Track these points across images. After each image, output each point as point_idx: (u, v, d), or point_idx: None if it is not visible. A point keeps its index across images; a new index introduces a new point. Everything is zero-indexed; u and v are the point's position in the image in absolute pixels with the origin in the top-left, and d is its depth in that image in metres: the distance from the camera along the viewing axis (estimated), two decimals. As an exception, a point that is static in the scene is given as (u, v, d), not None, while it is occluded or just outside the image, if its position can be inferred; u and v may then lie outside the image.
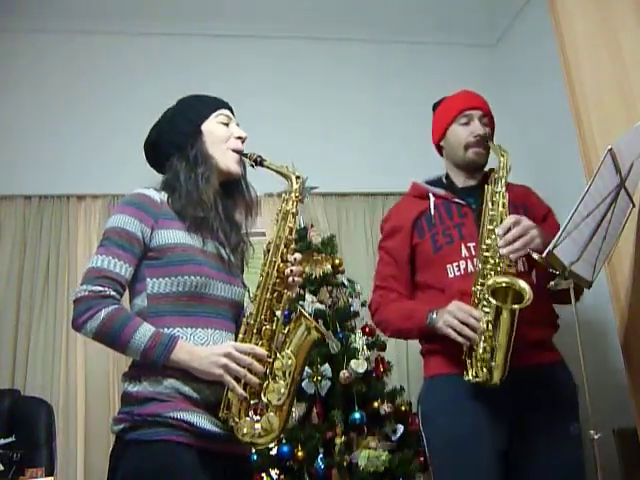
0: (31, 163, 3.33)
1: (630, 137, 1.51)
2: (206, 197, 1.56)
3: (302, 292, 2.84)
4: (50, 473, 2.45)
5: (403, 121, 3.73)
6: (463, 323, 1.71)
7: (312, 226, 3.19)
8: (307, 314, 1.52)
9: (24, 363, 3.04)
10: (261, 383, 1.46)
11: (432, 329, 1.79)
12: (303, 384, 2.60)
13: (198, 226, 1.55)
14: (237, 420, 1.43)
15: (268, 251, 1.57)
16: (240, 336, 1.51)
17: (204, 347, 1.46)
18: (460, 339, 1.72)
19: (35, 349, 3.07)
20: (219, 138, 1.64)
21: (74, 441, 3.01)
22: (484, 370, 1.69)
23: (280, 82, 3.67)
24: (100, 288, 1.44)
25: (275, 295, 1.54)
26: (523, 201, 2.00)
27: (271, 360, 1.48)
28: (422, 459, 2.64)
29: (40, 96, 3.45)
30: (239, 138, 1.66)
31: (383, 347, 2.92)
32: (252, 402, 1.46)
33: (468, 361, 1.73)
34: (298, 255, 1.59)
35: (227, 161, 1.63)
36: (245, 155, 1.65)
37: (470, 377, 1.71)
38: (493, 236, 1.77)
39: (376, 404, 2.70)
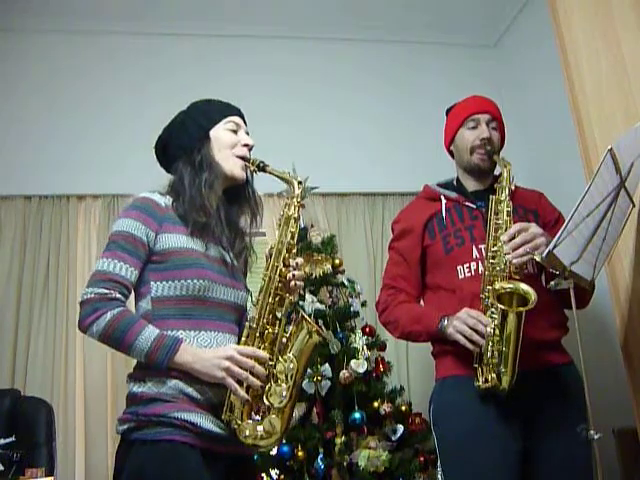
0: (31, 163, 3.32)
1: (630, 137, 1.50)
2: (209, 203, 1.58)
3: (302, 292, 2.84)
4: (50, 473, 2.44)
5: (403, 121, 3.74)
6: (472, 329, 1.73)
7: (312, 226, 3.18)
8: (308, 317, 1.52)
9: (24, 363, 3.03)
10: (263, 386, 1.46)
11: (442, 334, 1.82)
12: (303, 384, 2.59)
13: (200, 231, 1.57)
14: (239, 422, 1.45)
15: (270, 255, 1.59)
16: (243, 339, 1.52)
17: (207, 350, 1.47)
18: (469, 345, 1.75)
19: (35, 349, 3.06)
20: (225, 144, 1.65)
21: (74, 441, 3.01)
22: (493, 375, 1.72)
23: (280, 82, 3.66)
24: (106, 291, 1.46)
25: (277, 299, 1.55)
26: (534, 206, 2.04)
27: (273, 363, 1.49)
28: (422, 459, 2.65)
29: (40, 96, 3.45)
30: (245, 145, 1.67)
31: (383, 347, 2.92)
32: (254, 405, 1.46)
33: (478, 368, 1.76)
34: (300, 259, 1.61)
35: (232, 167, 1.65)
36: (248, 161, 1.66)
37: (480, 383, 1.75)
38: (499, 243, 1.81)
39: (376, 404, 2.70)
